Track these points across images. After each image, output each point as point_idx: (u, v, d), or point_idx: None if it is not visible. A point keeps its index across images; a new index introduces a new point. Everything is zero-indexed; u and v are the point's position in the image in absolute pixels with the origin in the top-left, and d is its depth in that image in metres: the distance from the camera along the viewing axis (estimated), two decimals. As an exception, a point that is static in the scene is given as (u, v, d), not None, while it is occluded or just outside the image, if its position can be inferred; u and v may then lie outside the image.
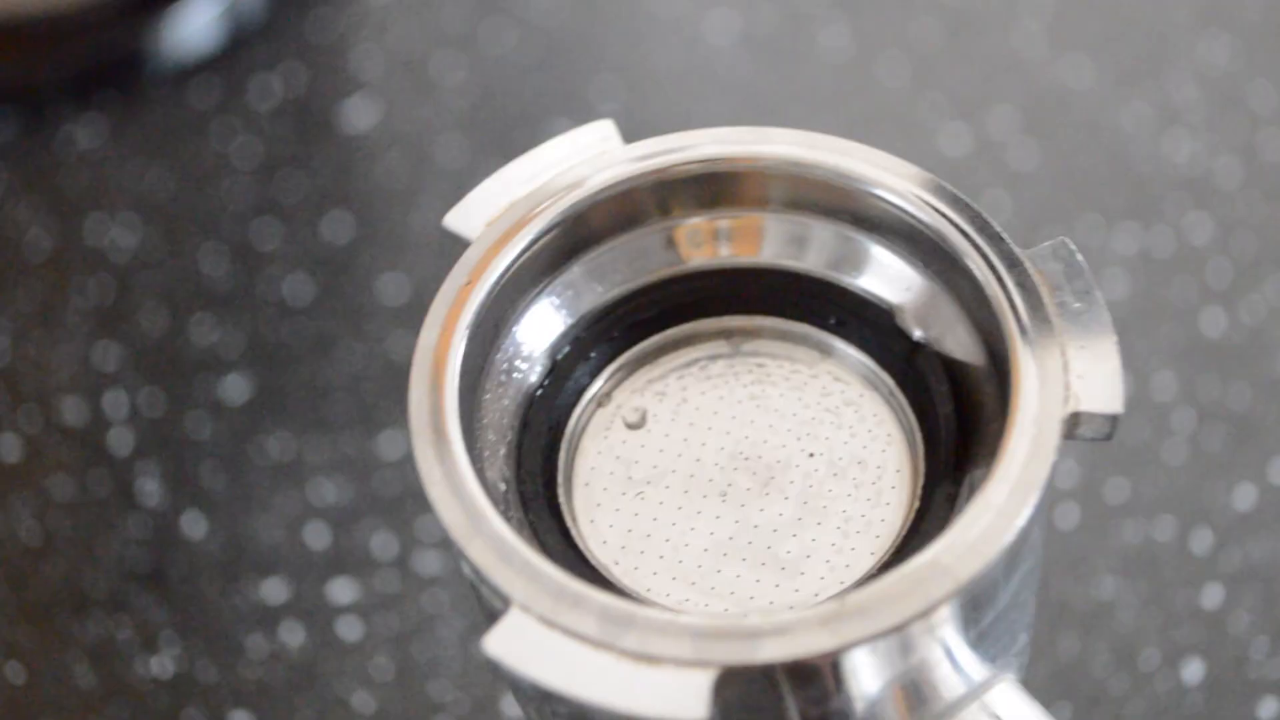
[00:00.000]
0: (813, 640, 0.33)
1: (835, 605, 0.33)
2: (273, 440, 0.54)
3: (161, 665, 0.50)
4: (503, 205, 0.39)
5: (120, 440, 0.55)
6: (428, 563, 0.52)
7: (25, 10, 0.63)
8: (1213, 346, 0.56)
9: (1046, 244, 0.37)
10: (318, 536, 0.52)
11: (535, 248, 0.39)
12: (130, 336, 0.57)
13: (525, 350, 0.40)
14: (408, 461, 0.54)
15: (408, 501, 0.53)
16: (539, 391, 0.40)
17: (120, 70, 0.63)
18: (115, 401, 0.56)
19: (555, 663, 0.33)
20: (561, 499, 0.39)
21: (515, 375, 0.40)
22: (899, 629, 0.33)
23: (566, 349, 0.40)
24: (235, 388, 0.56)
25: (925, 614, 0.33)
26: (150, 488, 0.54)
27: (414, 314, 0.57)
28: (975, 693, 0.35)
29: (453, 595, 0.51)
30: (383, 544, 0.52)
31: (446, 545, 0.52)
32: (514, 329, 0.40)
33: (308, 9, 0.65)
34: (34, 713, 0.49)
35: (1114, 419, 0.35)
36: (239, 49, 0.64)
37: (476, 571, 0.35)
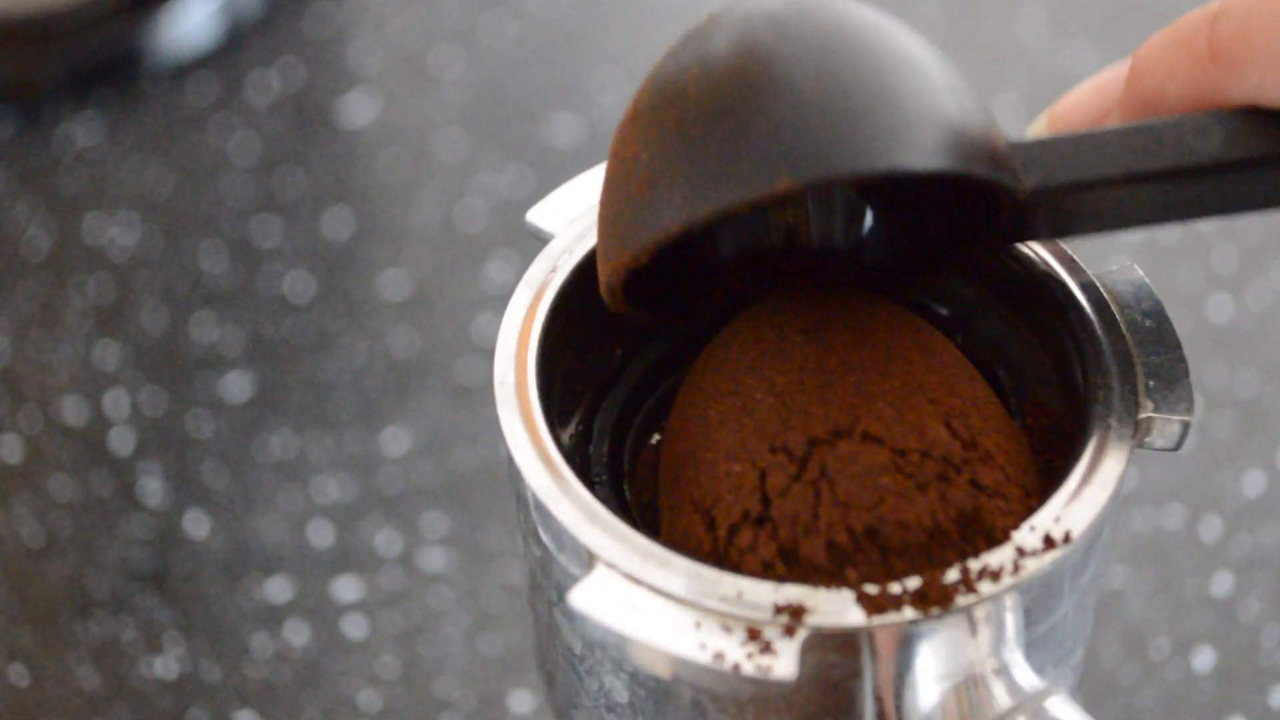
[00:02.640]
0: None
1: (925, 577, 0.34)
2: (275, 438, 0.54)
3: (166, 666, 0.50)
4: (585, 204, 0.40)
5: (121, 440, 0.54)
6: (432, 559, 0.52)
7: (22, 9, 0.63)
8: (1219, 333, 0.55)
9: (1115, 268, 0.39)
10: (321, 534, 0.52)
11: None
12: (130, 335, 0.57)
13: (598, 346, 0.40)
14: (411, 458, 0.54)
15: (411, 498, 0.53)
16: (608, 388, 0.41)
17: (118, 68, 0.63)
18: (116, 401, 0.55)
19: (643, 617, 0.34)
20: (627, 493, 0.40)
21: (586, 370, 0.40)
22: (987, 601, 0.34)
23: (635, 347, 0.41)
24: (237, 386, 0.56)
25: (1010, 590, 0.34)
26: (152, 487, 0.53)
27: (415, 309, 0.57)
28: (1028, 703, 0.35)
29: (458, 592, 0.51)
30: (387, 541, 0.52)
31: (453, 542, 0.52)
32: (587, 326, 0.40)
33: (305, 4, 0.65)
34: (38, 715, 0.49)
35: (1185, 425, 0.37)
36: (236, 45, 0.64)
37: (560, 534, 0.35)
